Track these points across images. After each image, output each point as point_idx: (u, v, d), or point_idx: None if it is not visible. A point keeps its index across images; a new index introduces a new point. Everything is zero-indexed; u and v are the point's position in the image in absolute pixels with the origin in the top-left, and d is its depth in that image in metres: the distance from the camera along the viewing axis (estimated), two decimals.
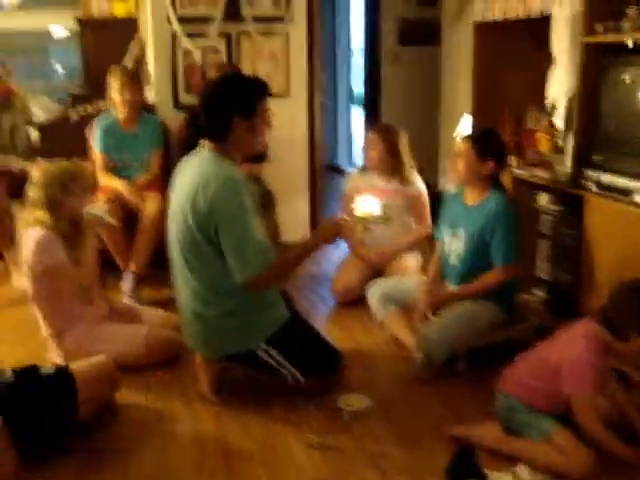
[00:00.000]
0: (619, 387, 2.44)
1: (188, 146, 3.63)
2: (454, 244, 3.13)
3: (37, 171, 3.03)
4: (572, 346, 2.30)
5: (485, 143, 3.03)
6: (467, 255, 3.07)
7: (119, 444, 2.48)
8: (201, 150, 2.67)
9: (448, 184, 3.17)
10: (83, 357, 2.96)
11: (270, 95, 2.69)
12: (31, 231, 2.89)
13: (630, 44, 2.81)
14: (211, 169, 2.57)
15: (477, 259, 3.04)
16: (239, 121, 2.57)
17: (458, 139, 3.13)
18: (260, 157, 3.98)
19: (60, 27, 5.33)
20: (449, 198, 3.26)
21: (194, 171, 2.61)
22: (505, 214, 2.95)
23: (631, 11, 2.77)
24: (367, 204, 2.82)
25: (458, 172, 3.06)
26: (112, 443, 2.49)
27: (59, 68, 6.13)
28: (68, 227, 2.94)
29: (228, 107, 2.57)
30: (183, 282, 2.69)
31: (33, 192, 2.93)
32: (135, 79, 4.01)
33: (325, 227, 2.78)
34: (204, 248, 2.57)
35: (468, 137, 3.09)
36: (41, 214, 2.88)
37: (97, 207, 3.22)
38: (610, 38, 2.89)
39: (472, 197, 3.09)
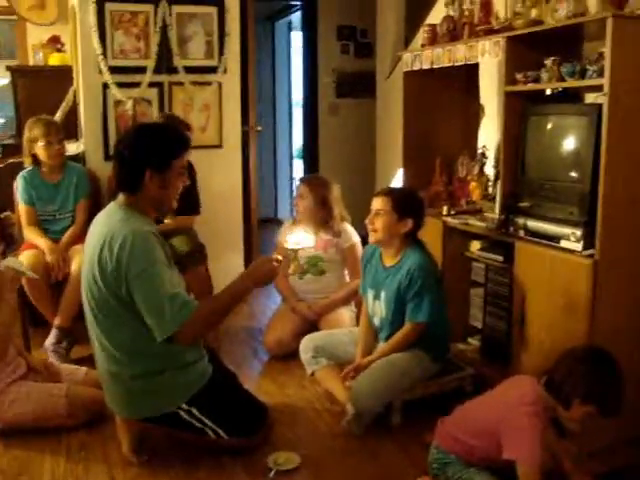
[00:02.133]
0: (555, 437, 2.39)
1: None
2: (376, 306, 3.11)
3: None
4: (515, 410, 2.21)
5: (405, 202, 3.00)
6: (388, 317, 3.05)
7: None
8: (112, 204, 2.58)
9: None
10: None
11: (187, 149, 2.60)
12: None
13: (548, 92, 2.87)
14: (117, 224, 2.45)
15: (398, 322, 3.02)
16: (152, 175, 2.47)
17: (375, 198, 3.05)
18: (191, 209, 3.91)
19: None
20: (367, 258, 3.22)
21: (102, 227, 2.50)
22: (418, 273, 2.93)
23: (548, 62, 2.83)
24: (298, 236, 2.80)
25: (376, 231, 3.01)
26: None
27: None
28: None
29: (141, 160, 2.47)
30: (96, 340, 2.56)
31: None
32: (61, 131, 3.90)
33: (257, 266, 2.64)
34: (112, 306, 2.44)
35: (387, 196, 3.01)
36: None
37: (13, 261, 3.07)
38: (530, 87, 2.94)
39: (389, 258, 3.07)
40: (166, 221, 3.72)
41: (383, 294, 3.05)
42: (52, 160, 3.85)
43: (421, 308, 2.93)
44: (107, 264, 2.39)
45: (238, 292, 2.59)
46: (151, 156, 2.48)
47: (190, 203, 3.82)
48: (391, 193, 3.04)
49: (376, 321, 3.13)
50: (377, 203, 3.01)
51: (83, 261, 3.45)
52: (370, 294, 3.15)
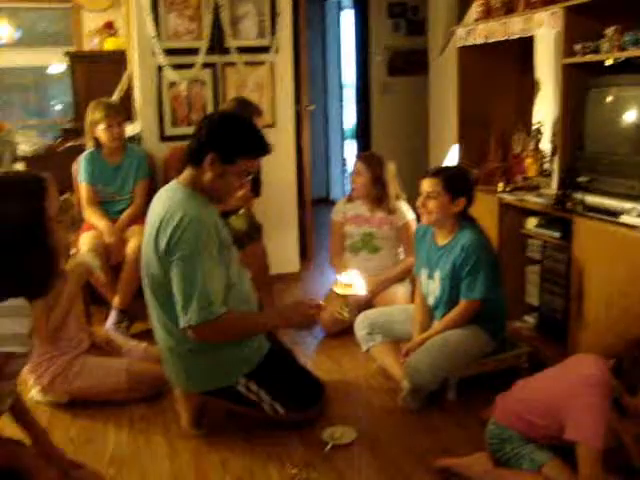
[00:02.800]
0: (617, 416, 2.35)
1: None
2: (430, 286, 3.09)
3: None
4: (581, 390, 2.17)
5: (456, 182, 2.96)
6: (443, 297, 3.03)
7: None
8: (174, 182, 2.59)
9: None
10: (61, 393, 2.93)
11: (258, 156, 2.58)
12: None
13: (610, 62, 2.80)
14: (177, 204, 2.47)
15: (453, 300, 3.00)
16: (214, 160, 2.46)
17: (425, 180, 2.97)
18: (254, 190, 3.96)
19: (57, 64, 5.38)
20: (420, 238, 3.19)
21: (162, 204, 2.53)
22: (472, 250, 2.89)
23: (609, 31, 2.75)
24: (351, 278, 2.64)
25: (429, 213, 2.97)
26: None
27: (55, 104, 6.18)
28: None
29: (211, 140, 2.47)
30: (155, 316, 2.62)
31: None
32: (121, 114, 3.97)
33: (295, 309, 2.63)
34: (168, 282, 2.47)
35: (438, 177, 2.95)
36: None
37: (90, 257, 3.15)
38: (589, 58, 2.87)
39: (442, 237, 3.04)
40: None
41: (437, 273, 3.04)
42: (112, 142, 3.92)
43: (476, 285, 2.90)
44: (162, 241, 2.43)
45: (266, 324, 2.64)
46: (222, 142, 2.48)
47: (254, 185, 3.88)
48: (440, 174, 2.98)
49: (431, 300, 3.11)
50: (427, 185, 2.96)
51: (142, 241, 3.57)
52: (424, 273, 3.13)
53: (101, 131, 3.90)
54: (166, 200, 2.53)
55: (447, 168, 3.01)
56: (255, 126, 2.62)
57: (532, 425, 2.30)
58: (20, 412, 2.16)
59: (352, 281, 2.60)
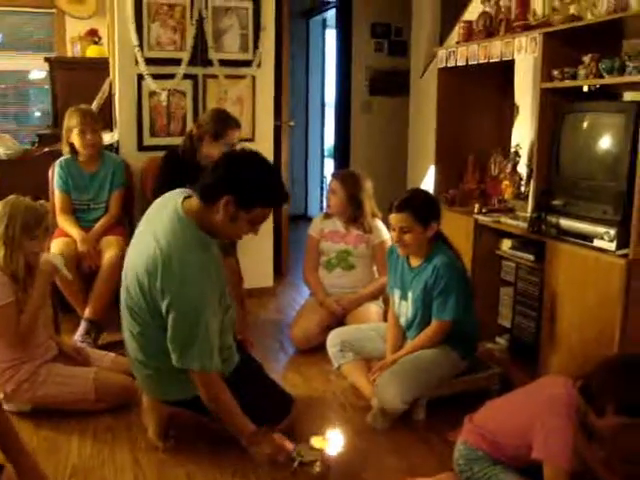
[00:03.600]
0: (584, 442, 2.35)
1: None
2: (403, 306, 3.10)
3: (1, 204, 2.87)
4: (548, 410, 2.19)
5: (425, 211, 2.95)
6: (415, 318, 3.04)
7: None
8: (178, 205, 2.43)
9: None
10: (25, 401, 2.87)
11: (277, 207, 2.52)
12: None
13: (585, 89, 2.84)
14: (182, 244, 2.33)
15: (425, 322, 3.01)
16: (229, 202, 2.31)
17: (394, 215, 2.95)
18: None
19: (38, 70, 5.36)
20: (392, 257, 3.18)
21: (164, 231, 2.36)
22: (444, 271, 2.90)
23: (586, 58, 2.79)
24: (328, 437, 2.55)
25: (406, 246, 2.97)
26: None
27: (35, 110, 6.14)
28: (21, 270, 2.83)
29: (233, 183, 2.32)
30: (128, 330, 2.56)
31: None
32: (97, 121, 3.94)
33: (273, 450, 2.43)
34: (148, 312, 2.41)
35: (406, 211, 2.92)
36: None
37: (55, 257, 3.12)
38: (567, 84, 2.91)
39: (415, 259, 3.04)
40: None
41: (410, 294, 3.04)
42: (86, 149, 3.89)
43: (447, 306, 2.90)
44: (156, 279, 2.31)
45: (238, 425, 2.47)
46: (243, 187, 2.33)
47: None
48: (408, 207, 2.93)
49: (403, 321, 3.11)
50: (398, 220, 2.94)
51: (118, 253, 3.51)
52: (397, 294, 3.13)
53: (75, 137, 3.87)
54: (169, 230, 2.37)
55: (412, 198, 2.94)
56: (278, 174, 2.52)
57: (500, 446, 2.30)
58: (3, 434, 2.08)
59: (329, 437, 2.54)
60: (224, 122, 3.80)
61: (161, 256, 2.31)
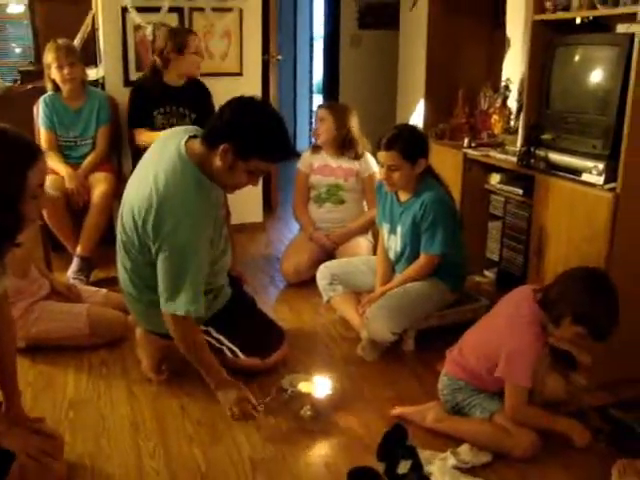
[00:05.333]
0: (549, 366, 2.42)
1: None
2: (392, 240, 3.12)
3: None
4: (509, 331, 2.29)
5: (413, 147, 2.92)
6: (404, 252, 3.06)
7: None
8: (182, 146, 2.36)
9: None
10: (19, 338, 2.89)
11: (279, 162, 2.44)
12: None
13: (578, 20, 2.80)
14: (181, 186, 2.30)
15: (413, 256, 3.04)
16: (228, 151, 2.26)
17: (381, 153, 2.92)
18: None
19: (16, 3, 5.20)
20: (381, 191, 3.16)
21: (165, 171, 2.32)
22: (432, 206, 2.90)
23: None
24: (316, 380, 2.55)
25: (394, 184, 2.96)
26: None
27: (14, 47, 5.99)
28: None
29: (233, 131, 2.25)
30: (121, 265, 2.58)
31: None
32: (74, 54, 3.84)
33: (241, 399, 2.43)
34: (140, 248, 2.42)
35: (394, 148, 2.89)
36: None
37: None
38: (559, 15, 2.87)
39: (404, 194, 3.04)
40: None
41: (399, 229, 3.06)
42: (66, 84, 3.82)
43: (435, 240, 2.93)
44: (148, 221, 2.31)
45: (211, 373, 2.49)
46: (241, 135, 2.25)
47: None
48: (396, 144, 2.89)
49: (392, 255, 3.14)
50: (385, 158, 2.92)
51: (107, 188, 3.48)
52: (386, 228, 3.15)
53: (54, 72, 3.80)
54: (169, 170, 2.33)
55: (400, 135, 2.90)
56: (284, 128, 2.34)
57: (477, 374, 2.38)
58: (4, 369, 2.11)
59: (316, 381, 2.55)
60: (180, 33, 3.85)
61: (156, 197, 2.29)
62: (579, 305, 2.19)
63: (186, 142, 2.38)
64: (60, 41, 3.87)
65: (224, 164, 2.29)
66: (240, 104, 2.31)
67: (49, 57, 3.80)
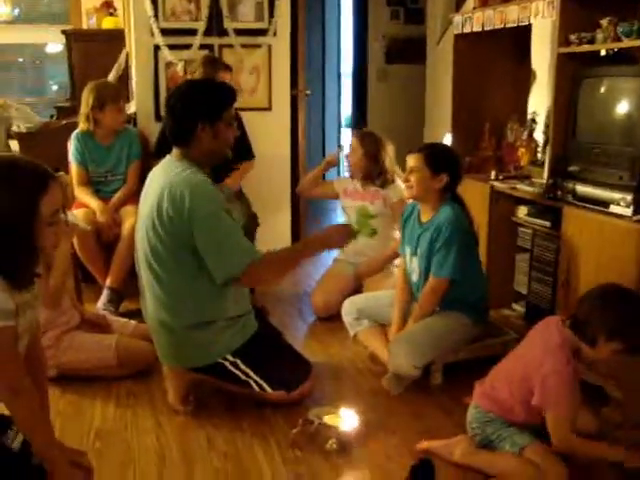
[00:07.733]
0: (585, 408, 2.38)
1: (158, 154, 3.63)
2: (414, 263, 3.09)
3: None
4: (544, 359, 2.24)
5: (438, 157, 2.96)
6: (424, 273, 3.02)
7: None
8: (167, 158, 2.66)
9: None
10: (50, 367, 2.94)
11: (234, 100, 2.69)
12: None
13: (603, 52, 2.81)
14: (176, 176, 2.52)
15: None
16: (204, 127, 2.56)
17: (409, 155, 3.01)
18: (245, 155, 4.02)
19: (55, 43, 5.37)
20: (406, 215, 3.18)
21: (159, 179, 2.58)
22: (446, 227, 2.87)
23: (604, 22, 2.76)
24: (342, 414, 2.55)
25: (411, 187, 2.98)
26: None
27: (53, 83, 6.17)
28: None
29: (193, 113, 2.56)
30: (149, 292, 2.63)
31: None
32: (119, 98, 3.90)
33: (332, 234, 2.73)
34: (170, 253, 2.52)
35: (421, 152, 2.97)
36: None
37: (70, 214, 3.17)
38: (584, 48, 2.88)
39: (425, 214, 3.03)
40: (227, 181, 3.84)
41: (419, 250, 3.03)
42: (119, 125, 3.92)
43: (445, 263, 2.88)
44: (168, 212, 2.47)
45: (304, 252, 2.74)
46: (202, 108, 2.56)
47: (243, 150, 3.92)
48: (424, 149, 3.00)
49: (414, 277, 3.09)
50: (411, 160, 2.98)
51: (136, 219, 3.56)
52: (408, 251, 3.13)
53: (110, 112, 3.84)
54: (163, 174, 2.58)
55: (432, 145, 3.02)
56: (211, 80, 2.91)
57: (508, 407, 2.33)
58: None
59: (343, 414, 2.55)
60: (213, 65, 3.89)
61: (164, 190, 2.49)
62: (610, 320, 2.17)
63: (171, 157, 2.65)
64: (112, 82, 3.95)
65: (208, 137, 2.57)
66: (176, 97, 2.65)
67: (104, 97, 3.82)
